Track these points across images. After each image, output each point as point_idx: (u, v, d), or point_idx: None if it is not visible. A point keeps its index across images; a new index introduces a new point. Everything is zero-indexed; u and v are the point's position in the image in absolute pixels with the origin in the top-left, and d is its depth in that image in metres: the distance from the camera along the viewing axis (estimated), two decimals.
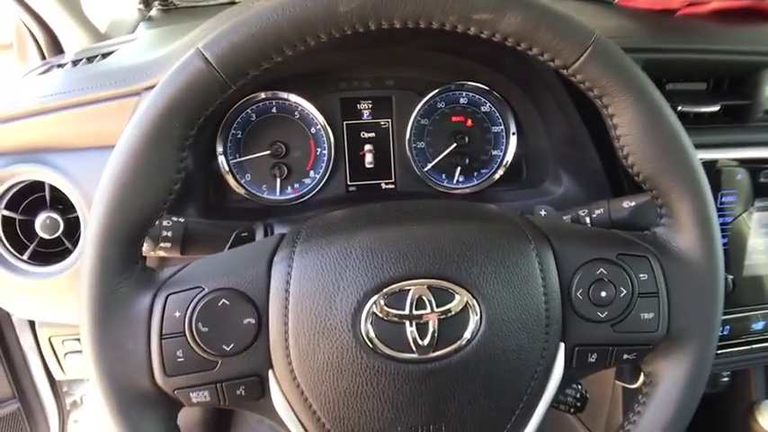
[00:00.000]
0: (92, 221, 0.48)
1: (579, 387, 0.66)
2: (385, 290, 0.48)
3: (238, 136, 0.87)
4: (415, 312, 0.48)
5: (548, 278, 0.51)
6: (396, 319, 0.48)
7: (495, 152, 0.93)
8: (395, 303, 0.48)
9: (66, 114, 0.72)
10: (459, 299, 0.48)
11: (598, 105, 0.51)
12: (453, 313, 0.48)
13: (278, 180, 0.87)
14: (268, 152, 0.86)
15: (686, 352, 0.53)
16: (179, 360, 0.48)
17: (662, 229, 0.54)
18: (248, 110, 0.86)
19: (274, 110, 0.87)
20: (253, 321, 0.49)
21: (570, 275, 0.52)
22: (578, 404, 0.67)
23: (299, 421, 0.51)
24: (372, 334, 0.48)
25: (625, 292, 0.52)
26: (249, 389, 0.50)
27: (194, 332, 0.48)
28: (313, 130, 0.88)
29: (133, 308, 0.49)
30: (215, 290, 0.49)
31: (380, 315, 0.48)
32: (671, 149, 0.50)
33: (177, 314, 0.48)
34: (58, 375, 0.97)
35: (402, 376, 0.48)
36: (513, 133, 0.91)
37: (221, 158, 0.86)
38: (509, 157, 0.92)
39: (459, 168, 0.91)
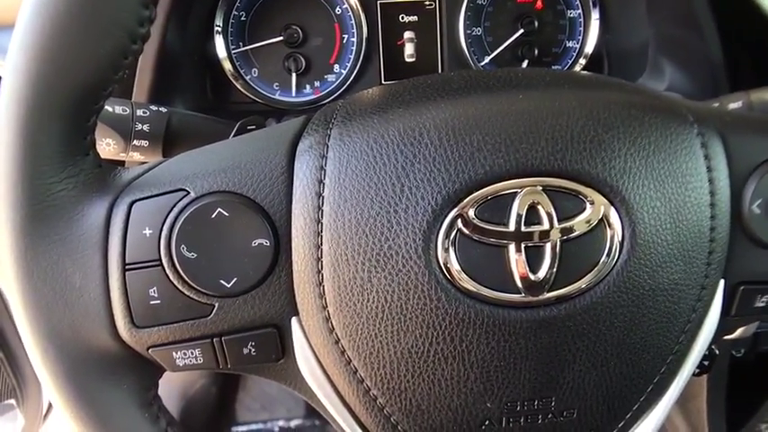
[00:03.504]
0: (5, 82, 0.32)
1: None
2: (476, 194, 0.33)
3: (242, 18, 0.72)
4: (524, 229, 0.33)
5: (716, 181, 0.36)
6: (493, 240, 0.33)
7: (570, 43, 0.76)
8: (492, 215, 0.33)
9: None
10: (593, 209, 0.33)
11: None
12: (583, 231, 0.33)
13: (293, 75, 0.72)
14: (281, 38, 0.72)
15: None
16: (153, 303, 0.34)
17: None
18: None
19: None
20: (266, 243, 0.34)
21: (744, 179, 0.37)
22: (705, 363, 0.52)
23: (337, 393, 0.37)
24: (455, 263, 0.33)
25: None
26: (262, 346, 0.36)
27: (175, 260, 0.34)
28: (338, 11, 0.73)
29: (80, 222, 0.34)
30: (206, 194, 0.34)
31: (469, 233, 0.33)
32: None
33: (148, 232, 0.34)
34: None
35: (500, 329, 0.34)
36: (596, 18, 0.74)
37: (219, 44, 0.71)
38: (589, 49, 0.75)
39: (526, 62, 0.75)
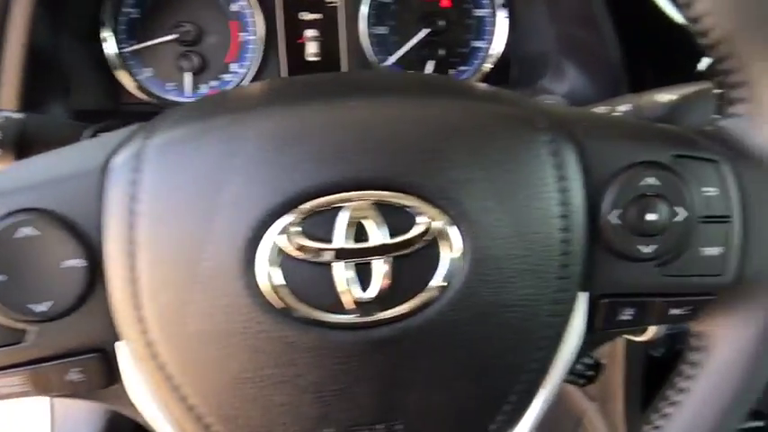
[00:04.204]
0: None
1: None
2: (299, 209, 0.31)
3: (133, 15, 0.70)
4: (352, 246, 0.31)
5: (569, 190, 0.35)
6: (319, 258, 0.31)
7: (477, 43, 0.75)
8: (318, 231, 0.31)
9: None
10: (428, 224, 0.31)
11: None
12: (417, 247, 0.31)
13: (189, 75, 0.71)
14: (175, 36, 0.70)
15: (762, 307, 0.39)
16: None
17: (734, 121, 0.38)
18: None
19: None
20: (81, 264, 0.31)
21: (602, 187, 0.36)
22: (590, 373, 0.54)
23: (171, 420, 0.34)
24: (279, 283, 0.31)
25: (682, 214, 0.36)
26: (88, 372, 0.33)
27: None
28: (235, 8, 0.71)
29: None
30: (15, 212, 0.31)
31: (292, 252, 0.31)
32: None
33: None
34: None
35: (332, 351, 0.32)
36: (505, 17, 0.74)
37: (108, 42, 0.69)
38: (497, 49, 0.75)
39: (432, 63, 0.74)
